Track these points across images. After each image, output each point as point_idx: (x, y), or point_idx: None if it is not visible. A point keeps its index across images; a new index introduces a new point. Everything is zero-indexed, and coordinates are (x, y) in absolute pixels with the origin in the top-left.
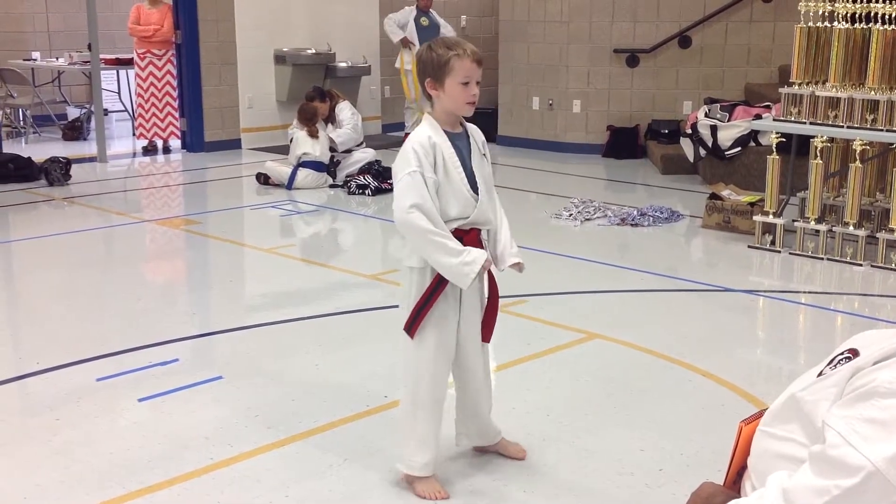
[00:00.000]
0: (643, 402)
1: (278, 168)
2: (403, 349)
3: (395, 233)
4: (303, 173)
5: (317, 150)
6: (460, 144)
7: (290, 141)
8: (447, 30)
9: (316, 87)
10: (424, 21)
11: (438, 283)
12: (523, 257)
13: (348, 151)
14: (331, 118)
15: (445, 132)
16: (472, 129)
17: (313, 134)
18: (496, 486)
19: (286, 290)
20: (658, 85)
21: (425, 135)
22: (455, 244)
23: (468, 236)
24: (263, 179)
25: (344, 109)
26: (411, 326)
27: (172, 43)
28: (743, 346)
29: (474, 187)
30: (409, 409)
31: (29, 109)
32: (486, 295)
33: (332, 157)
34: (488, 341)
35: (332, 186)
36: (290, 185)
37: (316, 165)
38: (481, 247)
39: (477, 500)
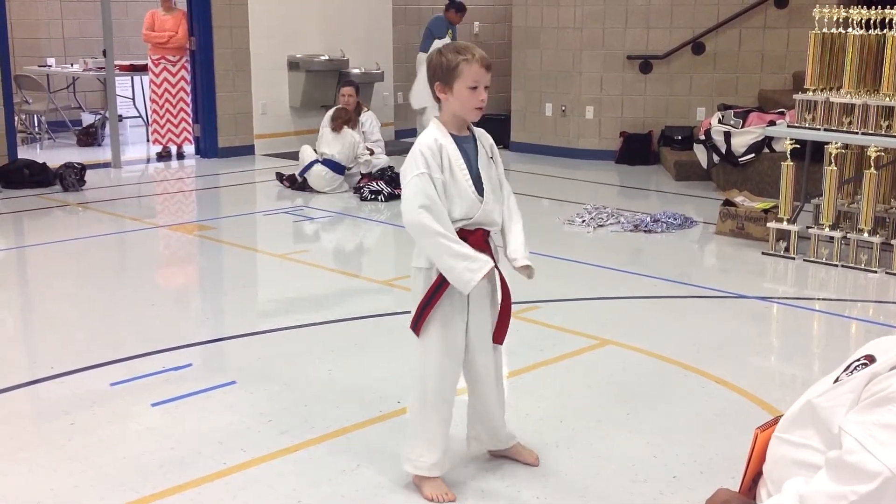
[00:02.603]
0: (656, 409)
1: (308, 154)
2: (414, 349)
3: (407, 239)
4: (321, 170)
5: (335, 149)
6: (467, 147)
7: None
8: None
9: (352, 80)
10: (450, 33)
11: (442, 282)
12: (534, 264)
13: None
14: (355, 121)
15: (452, 135)
16: (480, 132)
17: (337, 128)
18: (508, 491)
19: (299, 295)
20: (671, 91)
21: (432, 137)
22: (462, 248)
23: (473, 236)
24: (289, 182)
25: (372, 123)
26: (416, 324)
27: (187, 49)
28: (757, 352)
29: (480, 189)
30: (417, 408)
31: (44, 115)
32: (499, 297)
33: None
34: (501, 343)
35: (354, 191)
36: (301, 173)
37: (334, 166)
38: (487, 247)
39: (488, 503)
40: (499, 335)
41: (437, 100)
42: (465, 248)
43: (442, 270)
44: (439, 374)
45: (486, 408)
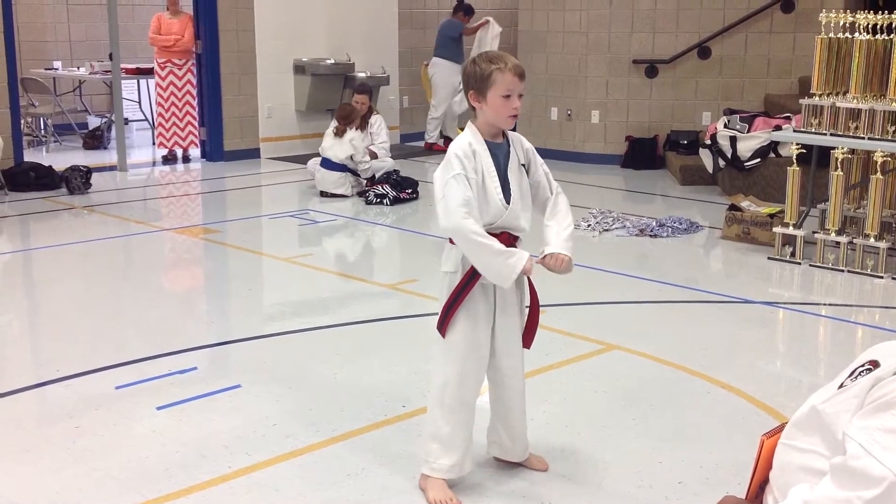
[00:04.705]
0: (662, 414)
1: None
2: (436, 351)
3: (412, 242)
4: (325, 173)
5: (336, 151)
6: (499, 154)
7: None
8: None
9: (366, 85)
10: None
11: (468, 282)
12: (542, 270)
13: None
14: (364, 124)
15: (486, 142)
16: (515, 138)
17: (339, 132)
18: (513, 495)
19: (304, 299)
20: (677, 96)
21: (466, 142)
22: (499, 246)
23: (499, 238)
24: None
25: (380, 125)
26: (442, 324)
27: (193, 52)
28: (762, 358)
29: (507, 196)
30: (435, 409)
31: (50, 118)
32: (528, 301)
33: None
34: (529, 347)
35: (360, 194)
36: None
37: (333, 166)
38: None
39: None
40: (528, 339)
41: (472, 107)
42: (501, 246)
43: (480, 269)
44: (460, 377)
45: (510, 413)
